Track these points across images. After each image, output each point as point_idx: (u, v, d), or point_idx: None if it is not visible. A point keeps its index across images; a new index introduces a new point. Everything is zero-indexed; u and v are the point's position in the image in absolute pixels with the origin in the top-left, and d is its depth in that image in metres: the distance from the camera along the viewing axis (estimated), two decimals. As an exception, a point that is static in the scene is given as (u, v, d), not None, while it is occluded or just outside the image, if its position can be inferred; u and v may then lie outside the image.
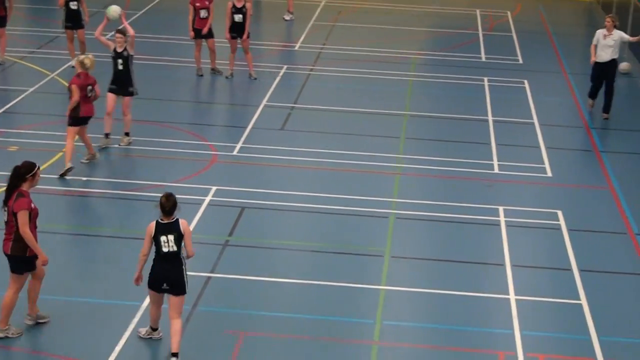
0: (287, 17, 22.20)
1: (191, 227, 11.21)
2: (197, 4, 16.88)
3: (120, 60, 13.55)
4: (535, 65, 19.36)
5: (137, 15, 21.92)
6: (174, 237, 8.46)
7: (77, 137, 12.72)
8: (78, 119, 12.61)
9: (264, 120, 15.28)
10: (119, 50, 13.55)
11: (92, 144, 13.13)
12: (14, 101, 15.50)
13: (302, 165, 13.59)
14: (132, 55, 13.67)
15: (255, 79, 17.20)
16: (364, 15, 23.28)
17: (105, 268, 10.45)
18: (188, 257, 8.64)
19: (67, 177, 12.57)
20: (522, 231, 11.88)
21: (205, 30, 16.86)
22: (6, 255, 8.81)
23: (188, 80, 17.35)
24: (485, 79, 18.17)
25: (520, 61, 19.67)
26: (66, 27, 17.19)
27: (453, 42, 20.95)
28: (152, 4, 23.07)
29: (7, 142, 13.78)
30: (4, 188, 8.87)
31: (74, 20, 17.00)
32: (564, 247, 11.41)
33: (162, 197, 8.52)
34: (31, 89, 16.17)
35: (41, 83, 16.51)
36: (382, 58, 19.35)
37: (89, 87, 12.57)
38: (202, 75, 17.28)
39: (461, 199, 12.65)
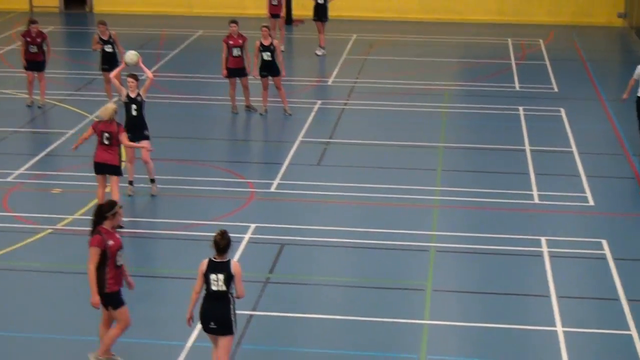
0: (319, 52, 22.31)
1: (232, 265, 11.24)
2: (231, 42, 16.97)
3: (134, 106, 13.20)
4: (571, 93, 19.23)
5: (172, 54, 22.17)
6: (224, 276, 8.43)
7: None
8: (94, 165, 12.41)
9: (300, 156, 15.30)
10: (132, 95, 13.25)
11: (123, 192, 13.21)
12: (55, 144, 15.68)
13: (340, 200, 13.55)
14: (145, 101, 13.36)
15: (290, 114, 17.25)
16: (395, 47, 23.33)
17: (147, 307, 10.44)
18: (238, 298, 8.61)
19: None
20: (566, 261, 11.71)
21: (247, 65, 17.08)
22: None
23: (223, 118, 17.46)
24: (521, 108, 18.07)
25: (555, 89, 19.55)
26: (103, 70, 17.40)
27: (486, 72, 20.90)
28: (186, 43, 23.32)
29: (50, 184, 13.92)
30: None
31: (110, 63, 17.20)
32: (611, 277, 11.22)
33: (216, 234, 8.50)
34: (71, 131, 16.34)
35: (81, 125, 16.68)
36: (415, 90, 19.34)
37: (106, 134, 12.21)
38: (237, 113, 17.38)
39: (502, 230, 12.52)
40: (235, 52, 16.92)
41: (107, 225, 8.88)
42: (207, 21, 26.02)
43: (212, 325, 8.48)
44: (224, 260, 8.47)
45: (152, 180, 13.49)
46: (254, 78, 17.33)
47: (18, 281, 11.16)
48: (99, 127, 12.27)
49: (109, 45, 17.26)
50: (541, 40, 24.07)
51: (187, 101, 18.44)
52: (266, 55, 16.81)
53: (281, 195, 13.71)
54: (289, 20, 25.11)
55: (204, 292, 8.54)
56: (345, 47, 23.13)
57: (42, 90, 17.64)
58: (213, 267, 8.45)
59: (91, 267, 8.77)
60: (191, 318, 8.65)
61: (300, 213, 13.12)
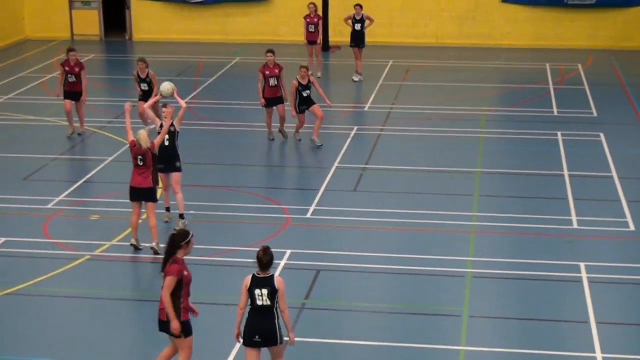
0: (355, 78, 22.37)
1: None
2: (267, 73, 16.96)
3: (166, 136, 12.91)
4: (611, 118, 19.04)
5: (209, 81, 22.37)
6: (268, 291, 8.54)
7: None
8: (129, 190, 12.43)
9: (336, 182, 15.30)
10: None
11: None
12: (95, 170, 15.85)
13: (377, 226, 13.50)
14: (178, 132, 13.19)
15: (319, 145, 17.04)
16: (432, 73, 23.31)
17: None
18: (282, 312, 8.68)
19: (148, 244, 12.69)
20: (607, 287, 11.53)
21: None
22: (162, 321, 8.99)
23: (259, 145, 17.53)
24: (559, 133, 17.91)
25: (595, 114, 19.37)
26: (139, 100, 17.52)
27: (523, 97, 20.77)
28: (223, 70, 23.53)
29: (89, 210, 14.06)
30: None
31: (145, 98, 17.11)
32: (651, 303, 11.03)
33: (259, 251, 8.65)
34: (110, 158, 16.53)
35: (119, 152, 16.86)
36: (451, 116, 19.28)
37: (139, 156, 12.26)
38: (273, 139, 17.44)
39: (540, 256, 12.38)
40: (272, 81, 16.94)
41: (180, 254, 8.97)
42: (243, 48, 26.22)
43: (257, 338, 8.59)
44: (267, 275, 8.58)
45: (181, 216, 13.22)
46: (290, 104, 17.26)
47: (57, 307, 11.25)
48: (134, 150, 12.33)
49: (145, 84, 17.11)
50: (579, 65, 23.89)
51: (224, 128, 18.55)
52: (305, 93, 16.83)
53: (317, 221, 13.70)
54: (325, 47, 25.23)
55: (248, 308, 8.66)
56: (382, 72, 23.17)
57: (80, 118, 17.87)
58: (257, 282, 8.59)
59: (167, 295, 8.79)
60: (239, 334, 8.77)
61: (336, 239, 13.10)
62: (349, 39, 22.35)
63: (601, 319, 10.65)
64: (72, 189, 15.01)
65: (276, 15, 26.96)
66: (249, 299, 8.60)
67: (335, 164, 16.21)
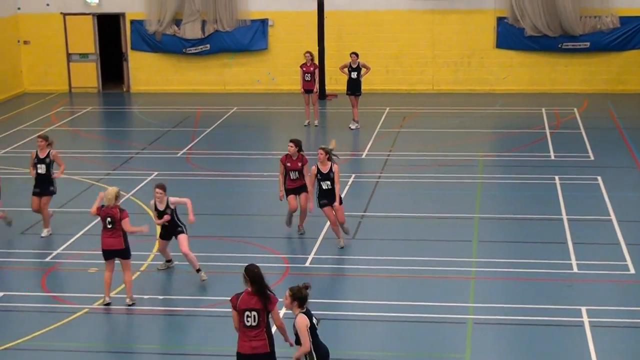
0: (352, 126, 22.47)
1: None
2: (288, 165, 14.74)
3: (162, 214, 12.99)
4: (608, 161, 19.09)
5: (207, 131, 22.46)
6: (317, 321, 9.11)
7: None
8: (102, 251, 12.41)
9: (334, 230, 15.26)
10: (160, 208, 13.01)
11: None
12: (92, 223, 15.79)
13: (376, 274, 13.45)
14: (175, 209, 13.06)
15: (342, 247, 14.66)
16: (428, 119, 23.43)
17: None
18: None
19: (146, 297, 12.64)
20: (609, 331, 11.45)
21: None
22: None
23: (258, 194, 17.55)
24: (557, 177, 17.94)
25: (592, 157, 19.42)
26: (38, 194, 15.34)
27: (520, 142, 20.85)
28: (220, 120, 23.64)
29: (87, 263, 13.99)
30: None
31: (42, 184, 15.24)
32: (654, 347, 10.94)
33: (302, 287, 9.03)
34: (106, 210, 16.50)
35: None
36: (449, 162, 19.34)
37: (108, 219, 12.21)
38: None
39: (540, 301, 12.32)
40: (293, 175, 14.75)
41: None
42: (240, 98, 26.41)
43: None
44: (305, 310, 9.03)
45: (198, 270, 13.13)
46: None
47: (54, 361, 11.16)
48: (103, 212, 12.28)
49: (43, 166, 14.99)
50: (575, 109, 24.03)
51: (222, 178, 18.58)
52: (325, 185, 14.14)
53: (316, 269, 13.66)
54: (322, 95, 25.41)
55: None
56: (379, 120, 23.29)
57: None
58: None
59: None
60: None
61: (335, 287, 13.05)
62: (345, 87, 22.51)
63: (604, 364, 10.57)
64: (70, 242, 14.98)
65: (272, 64, 27.19)
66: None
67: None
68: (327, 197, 14.11)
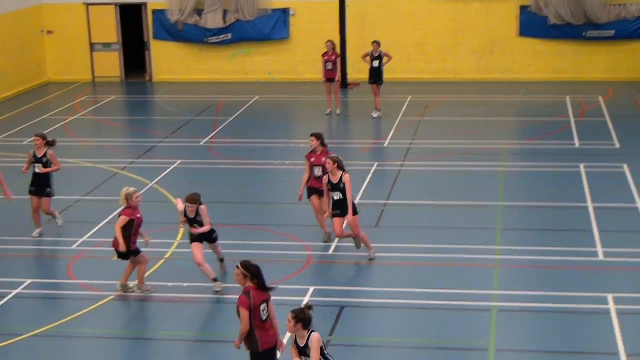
0: (375, 115, 22.43)
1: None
2: (313, 160, 14.11)
3: (195, 225, 12.42)
4: (633, 149, 18.93)
5: (229, 120, 22.50)
6: None
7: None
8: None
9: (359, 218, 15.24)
10: (191, 216, 12.44)
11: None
12: (117, 211, 15.84)
13: (399, 261, 13.45)
14: (201, 220, 12.46)
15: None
16: (451, 108, 23.34)
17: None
18: None
19: (170, 284, 12.72)
20: (635, 318, 11.39)
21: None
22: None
23: (280, 182, 17.56)
24: (582, 165, 17.83)
25: (617, 145, 19.27)
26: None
27: (544, 131, 20.73)
28: (242, 109, 23.66)
29: (113, 251, 13.98)
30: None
31: (38, 183, 14.77)
32: (680, 335, 10.87)
33: (305, 308, 8.78)
34: (131, 198, 16.58)
35: (142, 192, 16.91)
36: (471, 150, 19.26)
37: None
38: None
39: (566, 288, 12.27)
40: (317, 171, 14.03)
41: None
42: (262, 87, 26.42)
43: None
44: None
45: (216, 278, 12.61)
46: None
47: (83, 348, 11.25)
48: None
49: (40, 165, 14.57)
50: (600, 97, 23.84)
51: (245, 166, 18.62)
52: (337, 196, 13.17)
53: (339, 257, 13.66)
54: (344, 84, 25.36)
55: None
56: (401, 108, 23.22)
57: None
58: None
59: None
60: None
61: (359, 275, 13.05)
62: (367, 76, 22.46)
63: (631, 350, 10.51)
64: (95, 229, 15.07)
65: (294, 53, 27.16)
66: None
67: (357, 200, 16.19)
68: (339, 208, 13.16)
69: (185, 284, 12.85)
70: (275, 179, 17.77)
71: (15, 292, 12.66)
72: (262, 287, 9.17)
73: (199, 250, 12.46)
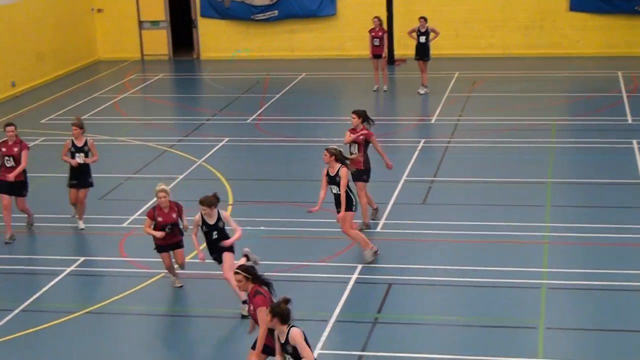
0: (421, 91, 22.30)
1: (339, 307, 11.27)
2: (352, 137, 13.69)
3: (215, 232, 11.30)
4: (686, 124, 18.60)
5: (276, 97, 22.56)
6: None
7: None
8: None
9: (405, 195, 15.25)
10: (211, 222, 11.24)
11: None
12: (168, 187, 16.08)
13: (447, 238, 13.42)
14: (223, 226, 11.34)
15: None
16: (499, 84, 23.10)
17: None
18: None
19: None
20: (686, 298, 11.25)
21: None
22: None
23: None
24: (634, 141, 17.55)
25: (670, 121, 18.96)
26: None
27: (595, 106, 20.43)
28: (289, 86, 23.70)
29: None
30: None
31: (79, 176, 14.22)
32: None
33: (281, 302, 8.24)
34: (181, 176, 16.77)
35: (189, 170, 17.13)
36: (520, 126, 19.06)
37: (167, 227, 11.71)
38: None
39: (616, 266, 12.14)
40: (353, 149, 13.71)
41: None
42: (309, 64, 26.40)
43: None
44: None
45: (244, 302, 10.80)
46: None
47: (134, 325, 11.45)
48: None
49: (82, 154, 13.98)
50: (654, 71, 23.40)
51: (291, 143, 18.67)
52: (334, 189, 12.50)
53: (387, 234, 13.68)
54: (391, 60, 25.24)
55: None
56: (448, 84, 23.05)
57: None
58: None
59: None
60: None
61: (407, 252, 13.05)
62: (414, 52, 22.31)
63: (682, 330, 10.40)
64: (145, 207, 15.25)
65: (341, 30, 27.08)
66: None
67: (404, 177, 16.17)
68: (336, 204, 12.48)
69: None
70: (321, 157, 17.74)
71: (69, 269, 12.91)
72: (265, 284, 8.91)
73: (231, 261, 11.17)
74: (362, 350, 10.30)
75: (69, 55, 26.70)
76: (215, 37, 27.87)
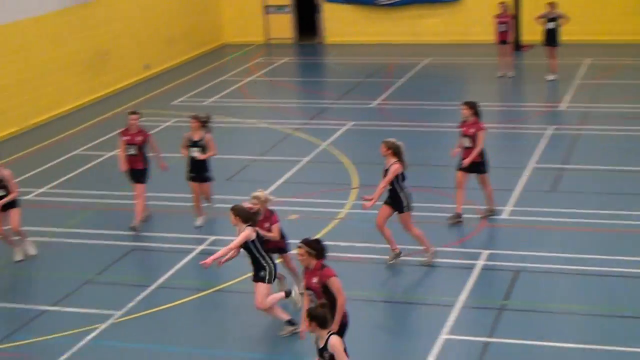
0: (549, 78, 21.78)
1: (464, 293, 11.20)
2: (463, 130, 13.49)
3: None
4: None
5: (399, 82, 22.49)
6: None
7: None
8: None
9: (533, 182, 14.97)
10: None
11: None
12: (292, 171, 16.32)
13: (576, 227, 13.11)
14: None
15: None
16: (634, 71, 22.30)
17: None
18: None
19: (342, 244, 12.95)
20: None
21: (466, 162, 13.35)
22: None
23: (450, 145, 17.37)
24: None
25: None
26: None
27: None
28: (413, 71, 23.58)
29: (287, 210, 14.48)
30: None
31: (197, 171, 13.96)
32: None
33: (318, 306, 7.94)
34: (306, 159, 16.97)
35: (314, 153, 17.30)
36: (655, 114, 18.40)
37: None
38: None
39: None
40: (466, 142, 13.41)
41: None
42: (433, 49, 26.17)
43: None
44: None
45: (289, 321, 10.64)
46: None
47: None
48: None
49: (198, 149, 13.64)
50: None
51: (415, 128, 18.58)
52: (390, 185, 12.08)
53: (514, 221, 13.47)
54: (517, 46, 24.74)
55: None
56: (578, 71, 22.42)
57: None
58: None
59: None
60: None
61: (535, 240, 12.82)
62: (541, 38, 21.79)
63: None
64: (271, 188, 15.51)
65: (467, 15, 26.72)
66: None
67: (532, 164, 15.86)
68: (391, 201, 12.02)
69: (358, 244, 13.05)
70: (445, 142, 17.63)
71: (200, 248, 13.28)
72: (324, 257, 8.65)
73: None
74: (489, 337, 10.21)
75: (197, 39, 27.37)
76: (339, 22, 27.98)
